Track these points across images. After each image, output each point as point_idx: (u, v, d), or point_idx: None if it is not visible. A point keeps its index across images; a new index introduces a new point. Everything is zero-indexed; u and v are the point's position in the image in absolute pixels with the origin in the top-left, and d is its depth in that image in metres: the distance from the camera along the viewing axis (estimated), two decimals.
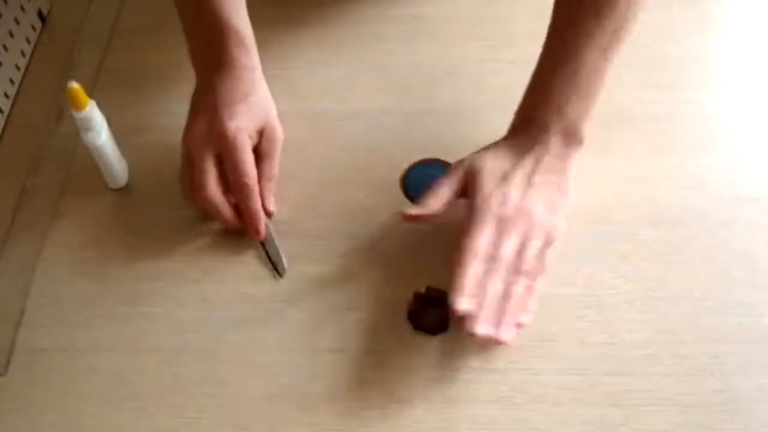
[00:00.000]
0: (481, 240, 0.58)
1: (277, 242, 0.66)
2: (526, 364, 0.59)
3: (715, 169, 0.69)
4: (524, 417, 0.57)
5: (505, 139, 0.64)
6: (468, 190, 0.61)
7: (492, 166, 0.61)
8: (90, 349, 0.62)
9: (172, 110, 0.76)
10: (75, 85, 0.61)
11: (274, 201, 0.66)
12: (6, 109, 0.77)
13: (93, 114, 0.64)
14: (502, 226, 0.59)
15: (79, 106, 0.63)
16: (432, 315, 0.60)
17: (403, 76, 0.77)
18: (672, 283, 0.63)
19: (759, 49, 0.77)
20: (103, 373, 0.61)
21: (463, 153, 0.72)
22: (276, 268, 0.65)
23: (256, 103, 0.66)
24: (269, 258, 0.65)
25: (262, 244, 0.66)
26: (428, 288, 0.62)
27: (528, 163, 0.61)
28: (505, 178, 0.61)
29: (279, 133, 0.67)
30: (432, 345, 0.61)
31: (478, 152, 0.63)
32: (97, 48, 0.82)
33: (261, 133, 0.66)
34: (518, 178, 0.61)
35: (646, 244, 0.65)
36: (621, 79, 0.75)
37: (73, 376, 0.61)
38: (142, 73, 0.80)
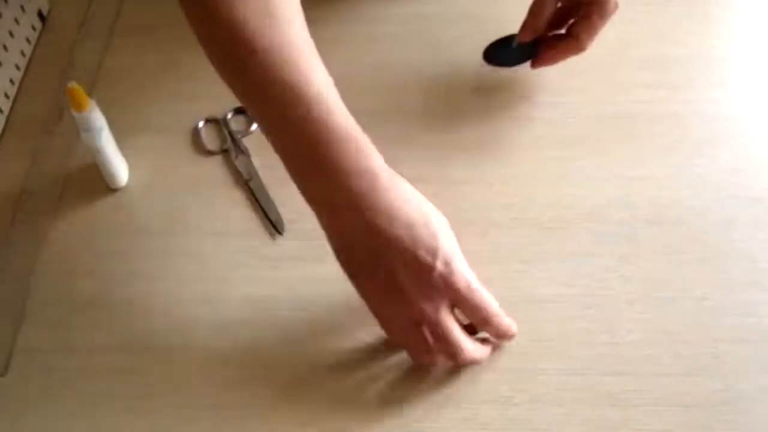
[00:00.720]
0: None
1: (274, 200, 0.66)
2: (526, 364, 0.59)
3: (715, 169, 0.69)
4: (524, 417, 0.57)
5: None
6: None
7: None
8: (90, 349, 0.62)
9: (173, 110, 0.76)
10: (75, 86, 0.61)
11: None
12: (6, 109, 0.77)
13: (93, 114, 0.64)
14: None
15: (79, 107, 0.63)
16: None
17: (402, 76, 0.77)
18: (672, 283, 0.63)
19: (759, 49, 0.77)
20: (103, 373, 0.61)
21: (462, 152, 0.72)
22: (275, 225, 0.66)
23: (438, 221, 0.54)
24: (267, 217, 0.66)
25: (259, 203, 0.66)
26: None
27: None
28: None
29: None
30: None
31: None
32: (97, 48, 0.82)
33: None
34: None
35: (646, 244, 0.65)
36: (621, 79, 0.75)
37: (73, 376, 0.61)
38: (142, 73, 0.79)
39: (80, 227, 0.69)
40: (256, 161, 0.71)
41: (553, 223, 0.66)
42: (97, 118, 0.65)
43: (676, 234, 0.65)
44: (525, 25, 0.67)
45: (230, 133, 0.73)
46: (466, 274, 0.53)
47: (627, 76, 0.75)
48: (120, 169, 0.69)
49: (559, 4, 0.67)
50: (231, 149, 0.72)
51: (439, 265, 0.51)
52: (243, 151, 0.72)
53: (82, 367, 0.61)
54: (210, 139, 0.74)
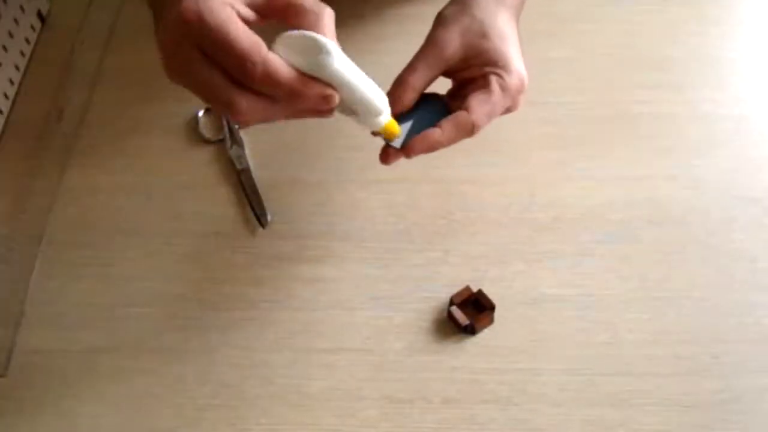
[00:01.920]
0: None
1: (261, 192, 0.66)
2: (526, 364, 0.59)
3: (715, 169, 0.69)
4: (524, 417, 0.57)
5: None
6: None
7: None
8: (90, 349, 0.62)
9: (172, 110, 0.76)
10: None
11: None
12: (6, 109, 0.76)
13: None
14: None
15: None
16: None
17: None
18: (672, 283, 0.63)
19: (759, 49, 0.77)
20: (103, 373, 0.61)
21: (462, 152, 0.72)
22: (259, 219, 0.66)
23: None
24: (252, 209, 0.66)
25: (246, 195, 0.66)
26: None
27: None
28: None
29: None
30: (432, 345, 0.61)
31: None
32: (97, 48, 0.82)
33: None
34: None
35: (646, 244, 0.65)
36: (621, 79, 0.75)
37: (73, 376, 0.61)
38: (142, 73, 0.79)
39: (80, 227, 0.69)
40: (249, 152, 0.72)
41: (553, 223, 0.66)
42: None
43: (676, 234, 0.65)
44: (389, 95, 0.53)
45: (228, 123, 0.74)
46: (204, 7, 0.41)
47: (627, 76, 0.75)
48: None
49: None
50: (227, 139, 0.73)
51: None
52: (238, 142, 0.72)
53: (82, 367, 0.61)
54: (208, 129, 0.75)
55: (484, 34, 0.52)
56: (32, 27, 0.82)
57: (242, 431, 0.57)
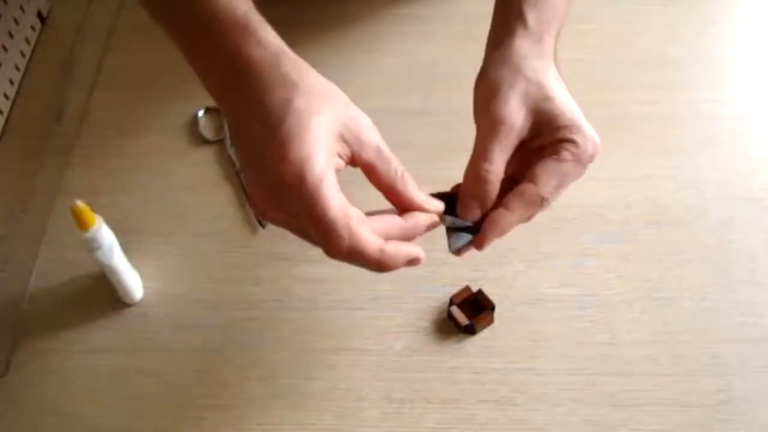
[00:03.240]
0: None
1: None
2: (526, 364, 0.59)
3: (715, 169, 0.69)
4: (524, 417, 0.57)
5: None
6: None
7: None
8: (90, 349, 0.62)
9: (172, 110, 0.76)
10: (80, 204, 0.55)
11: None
12: (6, 109, 0.76)
13: (101, 232, 0.57)
14: None
15: (84, 226, 0.56)
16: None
17: (403, 76, 0.77)
18: (672, 283, 0.63)
19: (759, 49, 0.77)
20: (103, 373, 0.61)
21: (462, 153, 0.72)
22: (259, 219, 0.67)
23: (308, 104, 0.41)
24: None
25: (246, 195, 0.66)
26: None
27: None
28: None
29: (366, 127, 0.44)
30: (432, 345, 0.61)
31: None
32: (97, 48, 0.82)
33: (344, 140, 0.43)
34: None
35: (646, 244, 0.65)
36: (621, 79, 0.75)
37: (73, 376, 0.61)
38: (142, 73, 0.79)
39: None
40: None
41: (553, 223, 0.66)
42: (106, 235, 0.58)
43: (675, 234, 0.65)
44: (467, 196, 0.47)
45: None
46: (308, 178, 0.39)
47: (627, 76, 0.75)
48: (133, 283, 0.63)
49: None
50: (226, 139, 0.73)
51: (279, 163, 0.40)
52: None
53: (82, 367, 0.61)
54: (208, 129, 0.75)
55: (547, 98, 0.46)
56: (32, 27, 0.82)
57: (242, 431, 0.57)
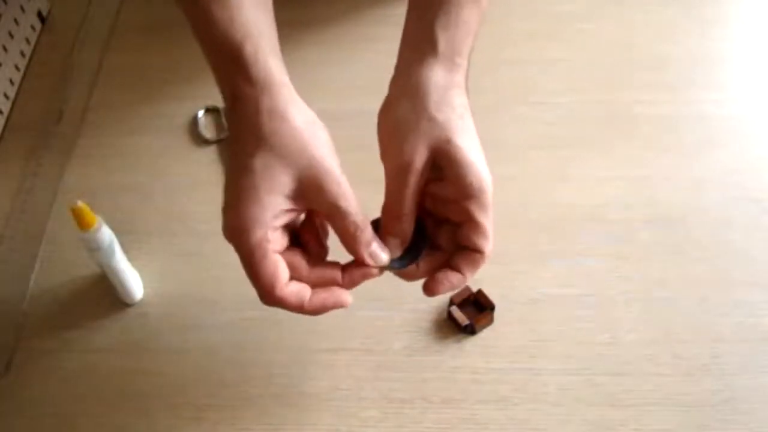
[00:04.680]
0: None
1: None
2: (526, 364, 0.59)
3: (715, 169, 0.69)
4: (524, 417, 0.57)
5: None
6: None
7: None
8: (90, 349, 0.62)
9: (172, 110, 0.76)
10: (80, 204, 0.54)
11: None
12: (6, 109, 0.76)
13: (101, 232, 0.57)
14: None
15: (84, 226, 0.56)
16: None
17: None
18: (672, 283, 0.63)
19: (759, 49, 0.77)
20: (103, 373, 0.61)
21: None
22: None
23: (267, 164, 0.44)
24: None
25: None
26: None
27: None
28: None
29: (324, 176, 0.46)
30: (432, 345, 0.61)
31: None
32: (97, 48, 0.82)
33: (298, 196, 0.45)
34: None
35: (646, 244, 0.65)
36: (620, 79, 0.75)
37: (73, 376, 0.61)
38: (142, 73, 0.79)
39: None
40: None
41: (553, 223, 0.66)
42: (106, 235, 0.58)
43: (675, 234, 0.65)
44: (389, 236, 0.48)
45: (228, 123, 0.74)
46: (245, 244, 0.45)
47: (627, 76, 0.75)
48: (133, 283, 0.63)
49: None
50: (226, 139, 0.73)
51: (227, 224, 0.46)
52: None
53: (82, 367, 0.61)
54: (208, 129, 0.75)
55: (448, 140, 0.47)
56: (32, 27, 0.82)
57: (242, 431, 0.57)
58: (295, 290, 0.46)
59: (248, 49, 0.45)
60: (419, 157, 0.46)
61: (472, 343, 0.60)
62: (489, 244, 0.49)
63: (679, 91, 0.74)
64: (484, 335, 0.61)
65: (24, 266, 0.66)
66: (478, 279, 0.62)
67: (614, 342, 0.60)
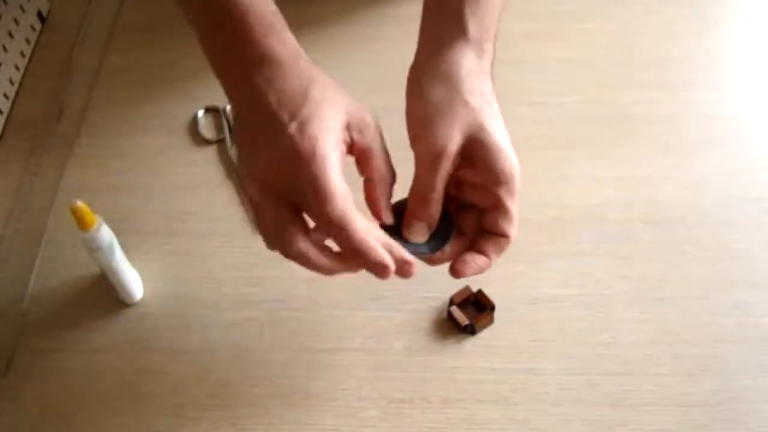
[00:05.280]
0: None
1: None
2: (526, 364, 0.59)
3: (715, 169, 0.69)
4: (524, 417, 0.57)
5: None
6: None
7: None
8: (90, 349, 0.62)
9: (172, 110, 0.76)
10: (80, 204, 0.54)
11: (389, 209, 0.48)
12: (6, 109, 0.76)
13: (101, 232, 0.57)
14: None
15: (84, 226, 0.56)
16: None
17: (402, 76, 0.77)
18: (672, 283, 0.63)
19: (759, 49, 0.77)
20: (103, 373, 0.61)
21: None
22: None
23: (323, 94, 0.46)
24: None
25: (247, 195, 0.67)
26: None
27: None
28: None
29: (369, 119, 0.48)
30: (432, 345, 0.61)
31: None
32: (97, 48, 0.82)
33: (348, 128, 0.47)
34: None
35: (646, 244, 0.65)
36: (621, 79, 0.75)
37: (73, 376, 0.61)
38: (142, 73, 0.79)
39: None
40: None
41: (553, 223, 0.66)
42: (106, 235, 0.58)
43: (675, 234, 0.65)
44: (415, 220, 0.49)
45: (228, 122, 0.74)
46: (319, 151, 0.44)
47: (627, 76, 0.75)
48: (133, 283, 0.63)
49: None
50: (227, 139, 0.73)
51: (295, 134, 0.44)
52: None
53: (82, 367, 0.61)
54: (207, 129, 0.75)
55: (482, 127, 0.47)
56: (32, 27, 0.82)
57: (242, 431, 0.57)
58: (360, 215, 0.45)
59: (280, 20, 0.47)
60: (453, 143, 0.47)
61: (472, 343, 0.60)
62: (515, 229, 0.50)
63: (679, 91, 0.74)
64: (484, 335, 0.61)
65: (24, 266, 0.66)
66: (478, 279, 0.63)
67: (614, 342, 0.60)
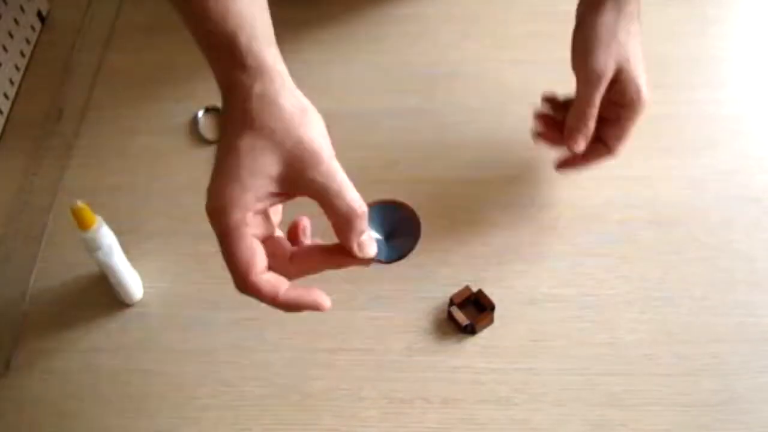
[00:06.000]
0: None
1: None
2: (526, 364, 0.59)
3: (715, 169, 0.69)
4: (524, 417, 0.57)
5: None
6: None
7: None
8: (90, 349, 0.62)
9: (172, 110, 0.76)
10: (80, 204, 0.55)
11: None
12: (6, 109, 0.76)
13: (101, 232, 0.57)
14: None
15: (84, 226, 0.56)
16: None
17: (402, 76, 0.77)
18: (672, 283, 0.63)
19: (759, 49, 0.77)
20: (103, 373, 0.61)
21: (462, 153, 0.72)
22: None
23: (254, 144, 0.44)
24: None
25: None
26: None
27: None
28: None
29: (321, 154, 0.46)
30: (432, 345, 0.61)
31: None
32: (97, 48, 0.82)
33: (283, 178, 0.45)
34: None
35: (646, 244, 0.65)
36: None
37: (73, 376, 0.61)
38: (142, 73, 0.79)
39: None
40: None
41: (553, 223, 0.66)
42: (106, 235, 0.58)
43: (675, 234, 0.65)
44: (577, 133, 0.60)
45: None
46: (225, 224, 0.45)
47: None
48: (133, 283, 0.63)
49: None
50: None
51: (209, 203, 0.48)
52: None
53: (82, 367, 0.61)
54: (207, 129, 0.75)
55: (627, 60, 0.59)
56: (32, 27, 0.82)
57: (242, 431, 0.57)
58: (271, 279, 0.45)
59: (242, 38, 0.45)
60: (609, 69, 0.58)
61: (472, 343, 0.60)
62: (621, 148, 0.61)
63: (679, 91, 0.74)
64: (484, 335, 0.61)
65: (24, 266, 0.66)
66: (478, 279, 0.63)
67: (614, 342, 0.60)
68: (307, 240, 0.49)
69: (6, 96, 0.77)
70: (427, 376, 0.59)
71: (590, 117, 0.59)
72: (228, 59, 0.46)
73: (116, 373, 0.61)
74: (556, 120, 0.64)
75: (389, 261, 0.49)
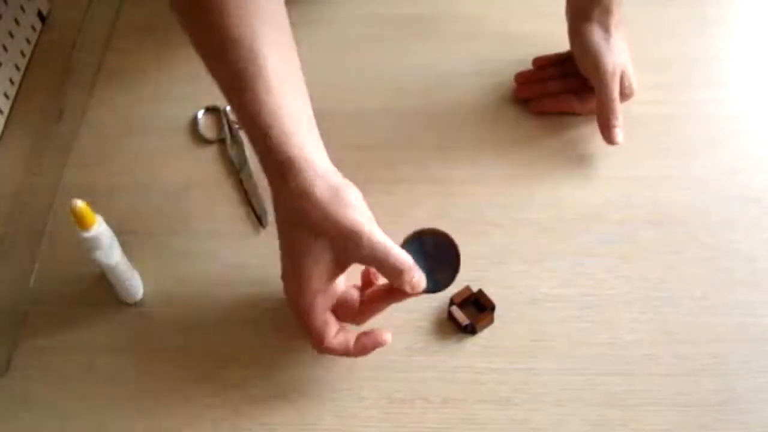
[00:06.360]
0: None
1: (261, 194, 0.67)
2: (526, 364, 0.59)
3: (715, 169, 0.69)
4: (524, 417, 0.57)
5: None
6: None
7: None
8: (90, 349, 0.62)
9: (172, 110, 0.76)
10: (80, 204, 0.54)
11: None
12: (6, 109, 0.76)
13: (101, 233, 0.57)
14: None
15: (84, 226, 0.56)
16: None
17: (402, 77, 0.77)
18: (672, 283, 0.63)
19: (759, 49, 0.77)
20: (103, 373, 0.61)
21: (462, 152, 0.72)
22: (259, 218, 0.67)
23: (308, 237, 0.52)
24: (252, 208, 0.67)
25: (246, 195, 0.68)
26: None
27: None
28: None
29: (361, 239, 0.51)
30: (432, 345, 0.61)
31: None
32: (97, 48, 0.82)
33: (337, 262, 0.53)
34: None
35: (646, 244, 0.65)
36: None
37: (73, 376, 0.61)
38: (142, 73, 0.79)
39: None
40: (249, 152, 0.71)
41: (553, 223, 0.66)
42: (106, 235, 0.58)
43: (676, 234, 0.65)
44: (612, 127, 0.68)
45: (228, 122, 0.74)
46: (308, 314, 0.54)
47: None
48: (134, 283, 0.63)
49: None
50: (227, 139, 0.73)
51: (291, 299, 0.56)
52: (238, 142, 0.72)
53: (82, 367, 0.61)
54: (208, 129, 0.75)
55: (624, 63, 0.69)
56: (32, 27, 0.82)
57: (242, 431, 0.57)
58: (342, 340, 0.55)
59: (274, 132, 0.51)
60: (618, 67, 0.67)
61: (472, 343, 0.61)
62: (584, 109, 0.72)
63: (679, 91, 0.74)
64: (484, 335, 0.61)
65: (24, 266, 0.66)
66: (478, 279, 0.63)
67: (614, 342, 0.60)
68: (378, 281, 0.57)
69: (6, 96, 0.77)
70: (428, 376, 0.59)
71: (617, 109, 0.67)
72: (264, 151, 0.52)
73: (116, 373, 0.61)
74: (534, 77, 0.74)
75: (436, 291, 0.55)
